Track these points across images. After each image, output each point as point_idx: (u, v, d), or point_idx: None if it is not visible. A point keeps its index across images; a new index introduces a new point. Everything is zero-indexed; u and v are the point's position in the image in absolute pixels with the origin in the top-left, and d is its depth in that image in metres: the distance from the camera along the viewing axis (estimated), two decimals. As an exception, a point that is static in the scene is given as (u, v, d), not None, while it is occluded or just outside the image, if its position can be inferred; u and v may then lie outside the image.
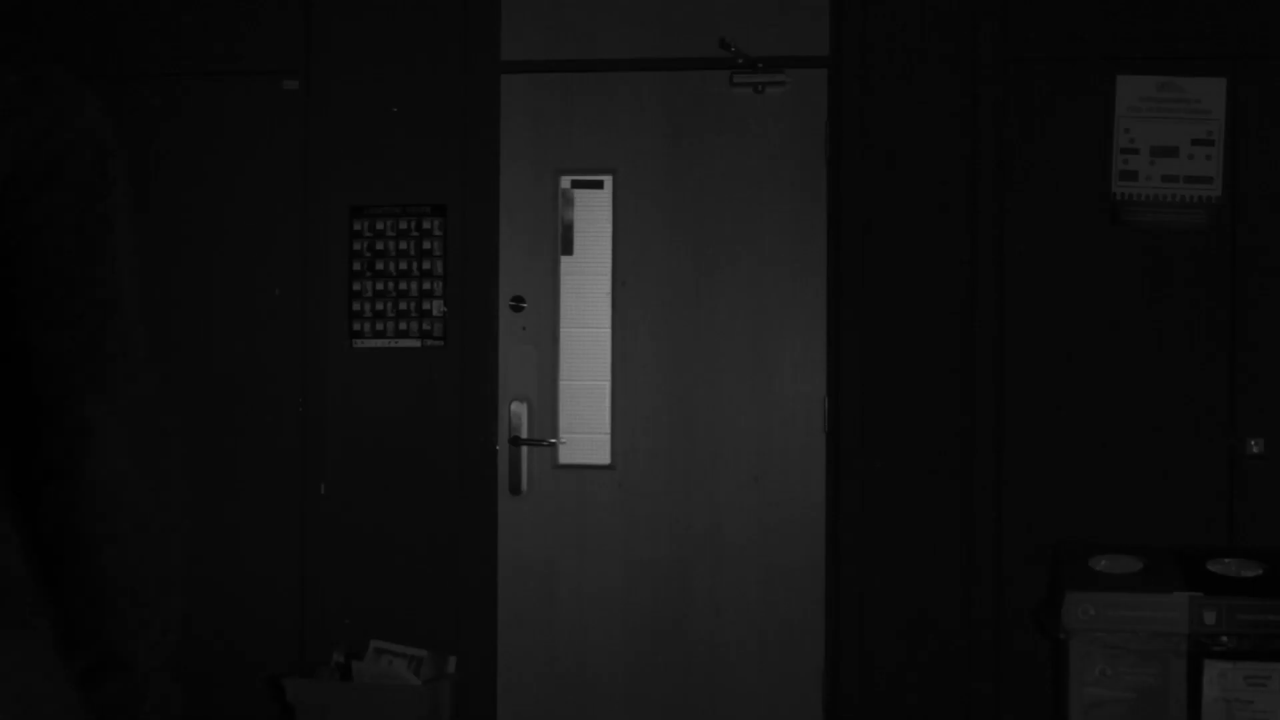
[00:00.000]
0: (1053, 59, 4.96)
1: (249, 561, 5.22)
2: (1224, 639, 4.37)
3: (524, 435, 5.19)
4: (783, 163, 5.14)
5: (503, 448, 5.19)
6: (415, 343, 5.17)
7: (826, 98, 5.08)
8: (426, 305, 5.17)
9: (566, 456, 5.26)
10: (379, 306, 5.19)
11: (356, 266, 5.20)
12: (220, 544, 5.23)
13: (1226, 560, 4.54)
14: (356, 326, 5.20)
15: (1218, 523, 4.84)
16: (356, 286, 5.20)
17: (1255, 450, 4.83)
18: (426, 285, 5.17)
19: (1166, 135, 4.89)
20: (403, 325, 5.17)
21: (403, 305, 5.18)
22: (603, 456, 5.25)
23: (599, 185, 5.28)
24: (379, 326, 5.19)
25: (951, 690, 4.95)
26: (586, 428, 5.92)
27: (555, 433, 5.24)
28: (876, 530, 4.98)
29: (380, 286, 5.19)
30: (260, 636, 5.20)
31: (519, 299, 5.20)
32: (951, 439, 4.96)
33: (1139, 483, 4.89)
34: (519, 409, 5.18)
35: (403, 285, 5.17)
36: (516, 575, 5.23)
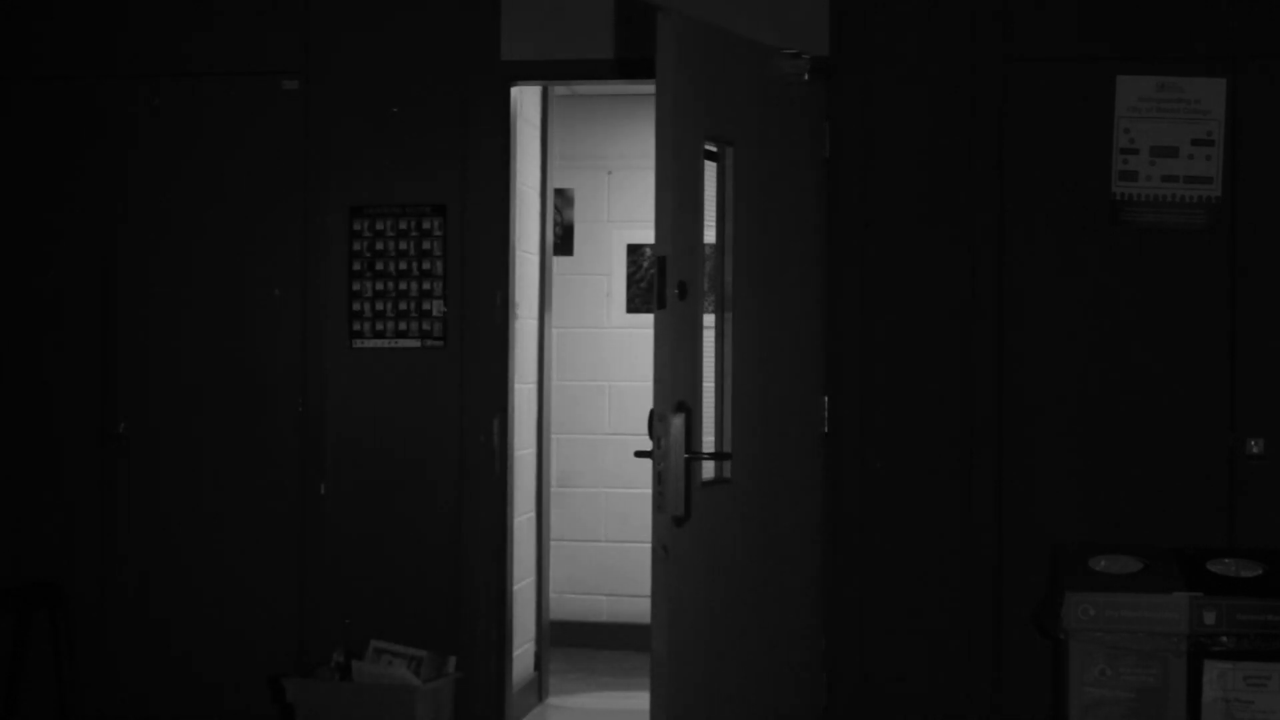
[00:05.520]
0: (1053, 59, 4.96)
1: (249, 561, 5.22)
2: (1224, 639, 4.37)
3: (692, 448, 4.18)
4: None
5: (674, 464, 4.13)
6: (415, 343, 5.17)
7: (826, 98, 5.08)
8: (428, 305, 5.17)
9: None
10: (379, 306, 5.19)
11: (356, 266, 5.20)
12: (220, 544, 5.23)
13: (1226, 560, 4.54)
14: (356, 326, 5.20)
15: (1218, 523, 4.84)
16: (356, 286, 5.20)
17: (1255, 450, 4.83)
18: (427, 285, 5.17)
19: (1166, 135, 4.89)
20: (404, 325, 5.17)
21: (404, 305, 5.17)
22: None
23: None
24: (379, 326, 5.18)
25: (952, 690, 4.94)
26: (583, 428, 5.93)
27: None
28: (876, 531, 4.98)
29: (380, 286, 5.19)
30: (260, 636, 5.20)
31: (684, 285, 4.18)
32: (951, 439, 4.95)
33: (1139, 483, 4.89)
34: (679, 422, 4.13)
35: (403, 285, 5.17)
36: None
